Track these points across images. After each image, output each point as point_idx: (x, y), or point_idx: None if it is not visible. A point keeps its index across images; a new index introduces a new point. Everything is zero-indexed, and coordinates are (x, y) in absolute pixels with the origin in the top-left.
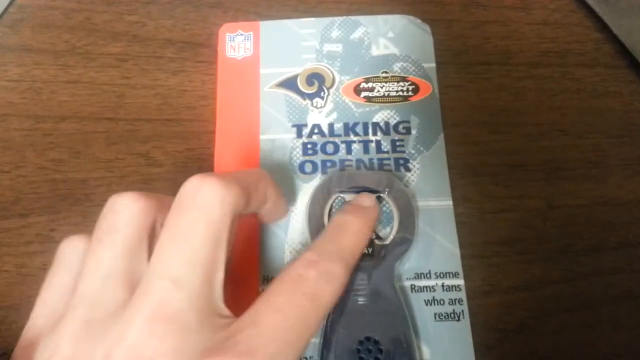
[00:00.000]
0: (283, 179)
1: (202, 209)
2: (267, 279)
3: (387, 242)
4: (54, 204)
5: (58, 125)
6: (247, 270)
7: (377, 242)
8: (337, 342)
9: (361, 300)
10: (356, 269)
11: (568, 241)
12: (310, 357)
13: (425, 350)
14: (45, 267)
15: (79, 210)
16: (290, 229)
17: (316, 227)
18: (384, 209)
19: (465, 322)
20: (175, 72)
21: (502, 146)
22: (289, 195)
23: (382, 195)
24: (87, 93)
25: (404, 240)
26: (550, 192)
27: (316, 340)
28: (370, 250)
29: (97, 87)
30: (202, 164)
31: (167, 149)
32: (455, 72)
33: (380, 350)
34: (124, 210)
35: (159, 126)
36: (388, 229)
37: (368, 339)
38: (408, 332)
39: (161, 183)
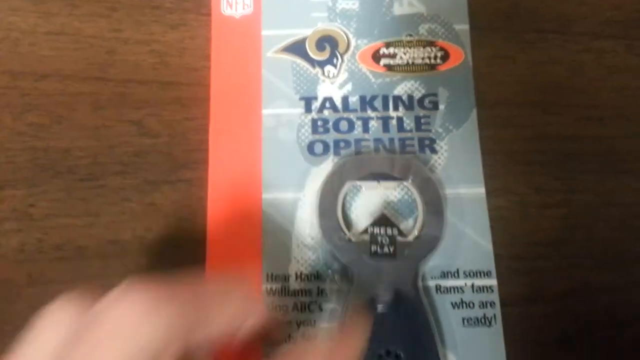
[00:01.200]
0: (289, 162)
1: (115, 335)
2: (271, 277)
3: (411, 238)
4: (33, 175)
5: (38, 84)
6: (248, 267)
7: (399, 239)
8: None
9: (380, 307)
10: (375, 272)
11: (624, 245)
12: None
13: None
14: (22, 248)
15: (61, 184)
16: (298, 219)
17: (328, 221)
18: (406, 197)
19: (498, 328)
20: (175, 25)
21: (553, 130)
22: (296, 181)
23: (404, 183)
24: (72, 47)
25: (430, 238)
26: (606, 188)
27: None
28: (391, 249)
29: (83, 40)
30: (203, 136)
31: (163, 117)
32: (499, 39)
33: None
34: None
35: (155, 89)
36: (411, 222)
37: (388, 352)
38: (433, 343)
39: (155, 156)
